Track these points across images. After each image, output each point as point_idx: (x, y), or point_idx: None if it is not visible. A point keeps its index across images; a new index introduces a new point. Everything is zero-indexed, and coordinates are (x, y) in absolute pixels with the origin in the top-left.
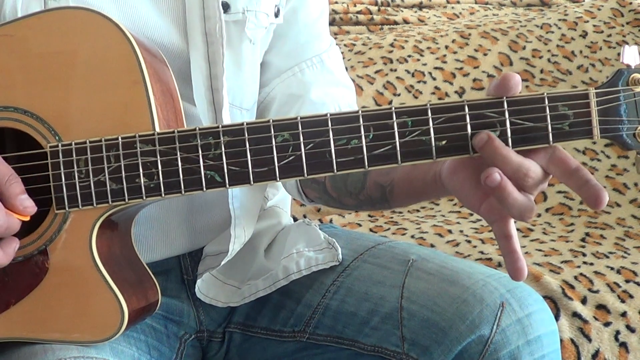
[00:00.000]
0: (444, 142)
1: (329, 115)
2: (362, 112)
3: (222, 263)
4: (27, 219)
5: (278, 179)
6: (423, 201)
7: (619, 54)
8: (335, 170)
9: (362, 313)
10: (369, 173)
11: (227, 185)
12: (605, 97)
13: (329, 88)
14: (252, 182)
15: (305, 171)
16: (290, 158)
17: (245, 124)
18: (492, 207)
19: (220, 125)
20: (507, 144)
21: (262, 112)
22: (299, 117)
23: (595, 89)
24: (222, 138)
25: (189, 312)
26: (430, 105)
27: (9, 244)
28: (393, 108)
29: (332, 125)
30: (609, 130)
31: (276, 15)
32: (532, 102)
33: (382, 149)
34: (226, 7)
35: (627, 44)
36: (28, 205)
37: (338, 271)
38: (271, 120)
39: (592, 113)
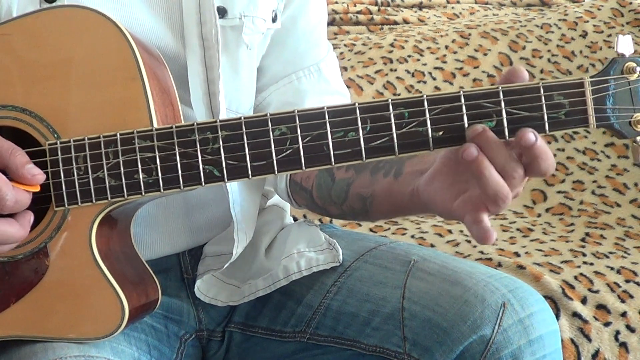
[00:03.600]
0: (440, 133)
1: (325, 108)
2: (358, 104)
3: (225, 266)
4: (38, 189)
5: (276, 173)
6: (402, 216)
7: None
8: (333, 163)
9: (363, 314)
10: (352, 185)
11: (226, 180)
12: (600, 86)
13: (324, 97)
14: (250, 176)
15: (303, 164)
16: (288, 151)
17: (242, 118)
18: (465, 200)
19: (218, 120)
20: (503, 134)
21: None
22: (296, 111)
23: (591, 77)
24: (219, 133)
25: (189, 311)
26: (426, 96)
27: (24, 217)
28: (390, 100)
29: (329, 118)
30: (604, 119)
31: (273, 20)
32: (528, 91)
33: (379, 141)
34: (223, 13)
35: (621, 33)
36: (36, 173)
37: (339, 272)
38: (268, 114)
39: (587, 102)
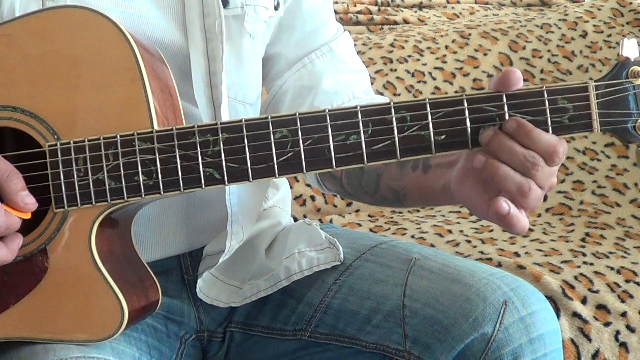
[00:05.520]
0: (443, 137)
1: (327, 111)
2: (360, 107)
3: (220, 261)
4: (29, 216)
5: (277, 176)
6: (437, 206)
7: (619, 54)
8: (335, 167)
9: (364, 311)
10: (382, 176)
11: (226, 183)
12: (604, 90)
13: (341, 76)
14: (251, 179)
15: (304, 168)
16: (289, 154)
17: (243, 120)
18: None
19: (219, 122)
20: None
21: (275, 105)
22: (297, 114)
23: (595, 81)
24: (220, 135)
25: (190, 312)
26: (428, 100)
27: (13, 241)
28: (392, 103)
29: (330, 121)
30: (608, 123)
31: (276, 8)
32: (532, 95)
33: (381, 145)
34: (225, 3)
35: (626, 37)
36: (29, 202)
37: (340, 270)
38: (269, 117)
39: (591, 106)
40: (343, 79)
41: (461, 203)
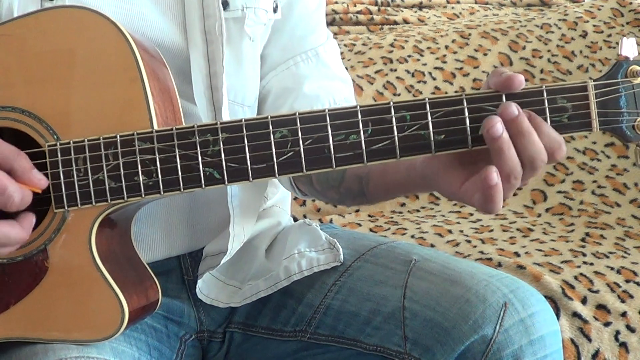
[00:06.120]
0: (442, 136)
1: (327, 110)
2: (360, 107)
3: (222, 262)
4: (40, 190)
5: (277, 175)
6: (398, 195)
7: (618, 54)
8: (335, 166)
9: (364, 313)
10: None
11: (226, 182)
12: (604, 89)
13: (324, 81)
14: (251, 179)
15: (304, 167)
16: (289, 154)
17: (243, 120)
18: (475, 181)
19: (219, 122)
20: None
21: (258, 105)
22: (297, 113)
23: (594, 81)
24: (220, 135)
25: (190, 313)
26: (428, 99)
27: (26, 219)
28: (391, 103)
29: (330, 121)
30: (607, 123)
31: (274, 10)
32: (531, 95)
33: (380, 144)
34: (225, 5)
35: (625, 36)
36: (41, 178)
37: (340, 271)
38: (269, 117)
39: (590, 105)
40: (325, 85)
41: (426, 181)
